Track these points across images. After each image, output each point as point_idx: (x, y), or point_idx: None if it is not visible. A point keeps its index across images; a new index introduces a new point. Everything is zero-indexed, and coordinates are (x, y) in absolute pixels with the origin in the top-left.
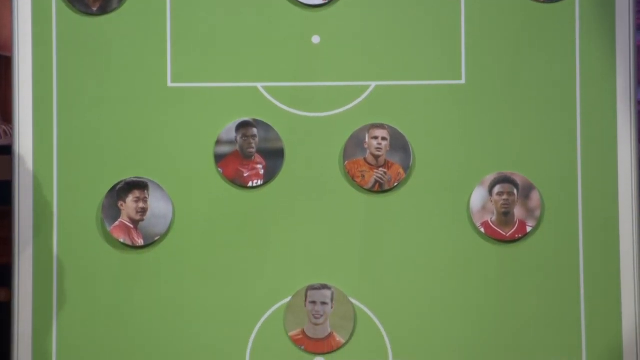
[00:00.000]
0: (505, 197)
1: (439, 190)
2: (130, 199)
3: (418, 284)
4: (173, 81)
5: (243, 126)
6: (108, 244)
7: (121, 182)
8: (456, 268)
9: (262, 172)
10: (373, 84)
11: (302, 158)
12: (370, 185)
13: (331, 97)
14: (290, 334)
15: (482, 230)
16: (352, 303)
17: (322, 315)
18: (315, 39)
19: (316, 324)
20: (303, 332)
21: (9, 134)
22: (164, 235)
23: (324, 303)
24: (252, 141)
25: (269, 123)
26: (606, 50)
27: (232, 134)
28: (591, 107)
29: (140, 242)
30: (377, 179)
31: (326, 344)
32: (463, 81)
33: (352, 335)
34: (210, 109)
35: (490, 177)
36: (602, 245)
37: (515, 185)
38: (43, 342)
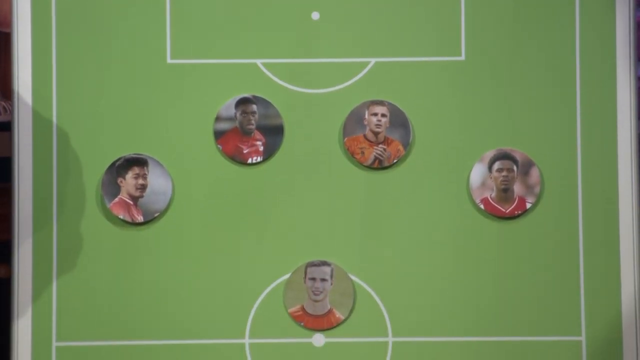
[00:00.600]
0: (504, 173)
1: (439, 166)
2: (129, 175)
3: (418, 260)
4: (172, 58)
5: (242, 103)
6: (107, 220)
7: (120, 158)
8: (456, 244)
9: (261, 148)
10: (373, 61)
11: (302, 135)
12: (369, 161)
13: (331, 73)
14: (290, 310)
15: (482, 206)
16: (351, 279)
17: (321, 292)
18: (315, 16)
19: (315, 301)
20: (302, 308)
21: (8, 110)
22: (163, 212)
23: (323, 280)
24: (251, 118)
25: (269, 99)
26: (606, 26)
27: (232, 111)
28: (591, 84)
29: (140, 218)
30: (377, 155)
31: (326, 321)
32: (463, 58)
33: (351, 311)
34: (209, 85)
35: (489, 154)
36: (602, 221)
37: (515, 161)
38: (43, 318)
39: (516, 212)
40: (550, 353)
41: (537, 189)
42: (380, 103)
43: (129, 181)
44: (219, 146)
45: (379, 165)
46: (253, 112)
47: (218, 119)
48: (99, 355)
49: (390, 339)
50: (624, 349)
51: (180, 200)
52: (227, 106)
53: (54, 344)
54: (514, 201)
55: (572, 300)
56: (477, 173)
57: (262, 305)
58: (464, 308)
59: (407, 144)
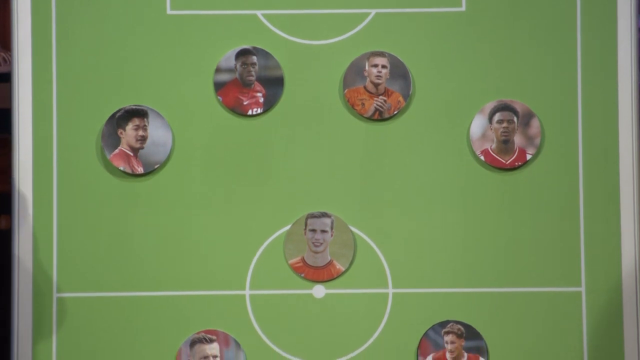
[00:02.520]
0: (505, 124)
1: (439, 118)
2: (129, 126)
3: (418, 211)
4: (172, 8)
5: (243, 54)
6: (108, 171)
7: (121, 110)
8: (456, 196)
9: (261, 100)
10: (373, 12)
11: (302, 86)
12: (370, 113)
13: (331, 24)
14: (290, 261)
15: (482, 158)
16: (351, 231)
17: (321, 244)
18: None
19: (316, 252)
20: (303, 260)
21: (8, 61)
22: (163, 163)
23: (323, 231)
24: (251, 69)
25: (269, 51)
26: None
27: (232, 62)
28: (591, 35)
29: (140, 169)
30: (377, 107)
31: (326, 272)
32: (463, 8)
33: (351, 263)
34: (209, 36)
35: (490, 105)
36: (602, 172)
37: (515, 113)
38: (43, 270)
39: (516, 164)
40: (550, 304)
41: (537, 140)
42: (380, 54)
43: (129, 132)
44: (219, 98)
45: (379, 116)
46: (253, 64)
47: (218, 70)
48: (100, 306)
49: (390, 290)
50: (623, 299)
51: (181, 151)
52: (227, 57)
53: (55, 295)
54: (515, 152)
55: (572, 251)
56: (478, 124)
57: (263, 256)
58: (464, 260)
59: (407, 96)
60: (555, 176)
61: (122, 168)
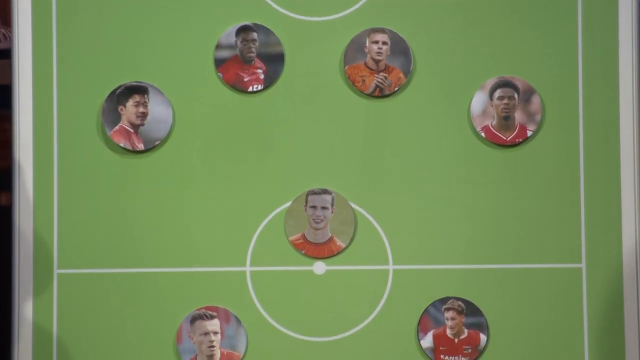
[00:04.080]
0: (505, 101)
1: (440, 94)
2: (130, 103)
3: (418, 188)
4: None
5: (243, 30)
6: (108, 148)
7: (121, 86)
8: (456, 172)
9: (262, 76)
10: None
11: (303, 63)
12: (370, 90)
13: (332, 1)
14: (291, 238)
15: (483, 134)
16: (352, 208)
17: (322, 220)
18: None
19: (316, 229)
20: (303, 236)
21: (8, 37)
22: (164, 140)
23: (324, 208)
24: (252, 45)
25: (269, 27)
26: None
27: (232, 39)
28: (592, 10)
29: (141, 146)
30: (378, 83)
31: (326, 249)
32: None
33: (352, 239)
34: (210, 13)
35: (490, 82)
36: (603, 149)
37: (516, 89)
38: (44, 246)
39: (517, 140)
40: (550, 280)
41: (538, 117)
42: (381, 31)
43: (129, 109)
44: (219, 74)
45: (379, 93)
46: (254, 40)
47: (218, 46)
48: (101, 282)
49: (391, 267)
50: (623, 275)
51: (181, 128)
52: (228, 34)
53: (55, 271)
54: (515, 129)
55: (573, 228)
56: (478, 101)
57: (263, 233)
58: (465, 236)
59: (407, 72)
60: (555, 152)
61: (122, 144)
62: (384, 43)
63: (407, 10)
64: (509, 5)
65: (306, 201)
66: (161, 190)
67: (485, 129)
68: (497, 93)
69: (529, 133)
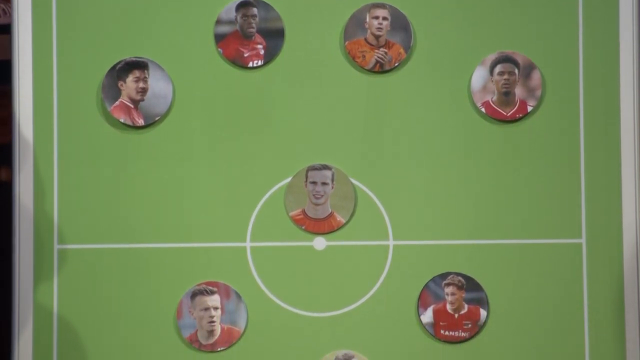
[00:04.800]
0: (506, 76)
1: (440, 70)
2: (130, 78)
3: (419, 164)
4: None
5: (243, 6)
6: (108, 123)
7: (121, 61)
8: (456, 148)
9: (262, 52)
10: None
11: (303, 38)
12: (370, 65)
13: None
14: (291, 214)
15: (483, 110)
16: (352, 183)
17: (322, 196)
18: None
19: (316, 204)
20: (303, 212)
21: (8, 12)
22: (164, 116)
23: (324, 183)
24: (252, 21)
25: (269, 2)
26: None
27: (232, 14)
28: None
29: (141, 122)
30: (378, 59)
31: (326, 224)
32: None
33: (352, 215)
34: None
35: (491, 57)
36: (603, 124)
37: (516, 64)
38: (44, 222)
39: (517, 116)
40: (550, 255)
41: (538, 92)
42: (381, 6)
43: (129, 84)
44: (219, 50)
45: (380, 68)
46: (254, 16)
47: (218, 22)
48: (101, 258)
49: (391, 242)
50: (624, 250)
51: (181, 103)
52: (228, 9)
53: (56, 246)
54: (515, 104)
55: (573, 203)
56: (479, 76)
57: (263, 208)
58: (465, 211)
59: (408, 48)
60: (556, 128)
61: (122, 120)
62: (384, 18)
63: None
64: None
65: (306, 177)
66: (161, 165)
67: (486, 104)
68: (498, 68)
69: (530, 108)
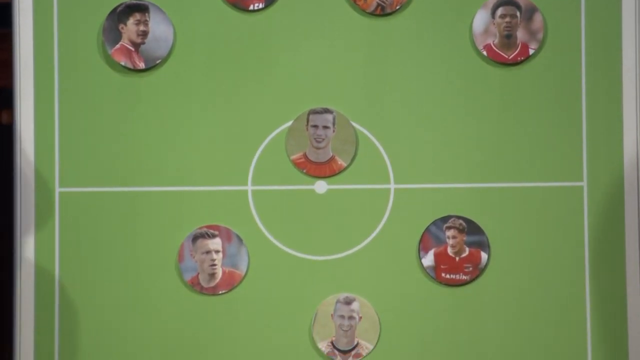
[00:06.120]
0: (507, 19)
1: (441, 13)
2: (130, 21)
3: (420, 107)
4: None
5: None
6: (109, 66)
7: (121, 4)
8: (458, 91)
9: None
10: None
11: None
12: (372, 8)
13: None
14: (292, 157)
15: (485, 53)
16: (353, 127)
17: (323, 139)
18: None
19: (318, 148)
20: (305, 155)
21: None
22: (165, 59)
23: (325, 127)
24: None
25: None
26: None
27: None
28: None
29: (142, 65)
30: (379, 1)
31: (328, 168)
32: None
33: (353, 159)
34: None
35: (492, 0)
36: (604, 67)
37: (518, 7)
38: (46, 165)
39: (519, 59)
40: (552, 198)
41: (540, 35)
42: None
43: (130, 27)
44: None
45: (381, 12)
46: None
47: None
48: (102, 201)
49: (392, 186)
50: (625, 193)
51: (182, 46)
52: None
53: (57, 189)
54: (517, 47)
55: (574, 146)
56: (480, 19)
57: (265, 152)
58: (467, 155)
59: None
60: (557, 71)
61: (123, 63)
62: None
63: None
64: None
65: (307, 120)
66: (162, 108)
67: (487, 47)
68: (499, 11)
69: (531, 51)
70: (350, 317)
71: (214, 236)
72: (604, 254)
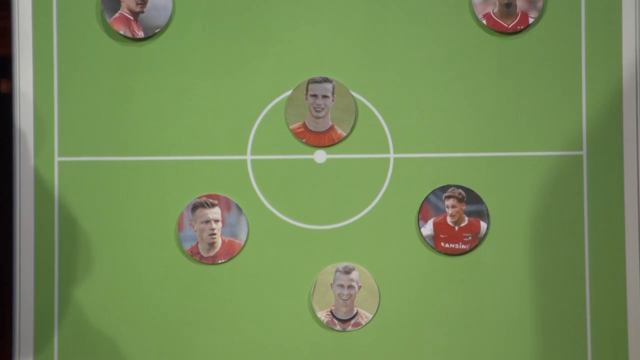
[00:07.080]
0: None
1: None
2: None
3: (419, 77)
4: None
5: None
6: (108, 35)
7: None
8: (457, 60)
9: None
10: None
11: None
12: None
13: None
14: (292, 127)
15: (484, 22)
16: (353, 96)
17: (323, 109)
18: None
19: (317, 117)
20: (304, 125)
21: None
22: (164, 28)
23: (325, 96)
24: None
25: None
26: None
27: None
28: None
29: (141, 34)
30: None
31: (327, 137)
32: None
33: (353, 128)
34: None
35: None
36: (605, 35)
37: None
38: (45, 134)
39: (518, 28)
40: (551, 168)
41: (539, 4)
42: None
43: None
44: None
45: None
46: None
47: None
48: (102, 170)
49: (392, 155)
50: (624, 162)
51: (181, 16)
52: None
53: (57, 159)
54: (517, 16)
55: (574, 116)
56: None
57: (264, 122)
58: (466, 124)
59: None
60: (557, 39)
61: (122, 32)
62: None
63: None
64: None
65: (307, 89)
66: (161, 78)
67: (487, 16)
68: None
69: (531, 20)
70: (350, 287)
71: (213, 205)
72: (603, 222)
